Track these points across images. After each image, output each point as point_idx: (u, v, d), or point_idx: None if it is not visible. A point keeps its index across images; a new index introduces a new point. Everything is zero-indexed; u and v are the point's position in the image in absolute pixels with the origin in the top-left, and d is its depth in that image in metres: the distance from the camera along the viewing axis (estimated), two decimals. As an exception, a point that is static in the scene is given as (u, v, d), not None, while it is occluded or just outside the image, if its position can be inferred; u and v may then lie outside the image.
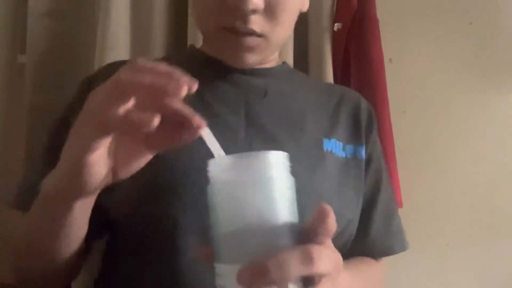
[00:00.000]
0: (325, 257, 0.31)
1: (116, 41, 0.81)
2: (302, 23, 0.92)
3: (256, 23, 0.51)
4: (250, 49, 0.54)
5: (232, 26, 0.52)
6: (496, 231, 0.97)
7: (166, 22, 0.85)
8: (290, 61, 0.86)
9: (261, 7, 0.50)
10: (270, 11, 0.52)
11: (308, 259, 0.30)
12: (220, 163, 0.34)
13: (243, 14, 0.50)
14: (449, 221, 0.98)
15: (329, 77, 0.87)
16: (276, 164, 0.34)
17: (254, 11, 0.50)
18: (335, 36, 0.89)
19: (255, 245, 0.31)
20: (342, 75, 0.91)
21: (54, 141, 0.57)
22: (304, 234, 0.34)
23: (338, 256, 0.34)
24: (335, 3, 0.90)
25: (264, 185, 0.32)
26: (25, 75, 0.85)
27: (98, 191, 0.37)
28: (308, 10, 0.91)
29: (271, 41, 0.55)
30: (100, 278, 0.56)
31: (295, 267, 0.30)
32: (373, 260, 0.64)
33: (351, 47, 0.90)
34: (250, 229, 0.31)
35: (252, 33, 0.52)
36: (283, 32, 0.56)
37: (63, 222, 0.39)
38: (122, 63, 0.64)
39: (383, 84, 0.88)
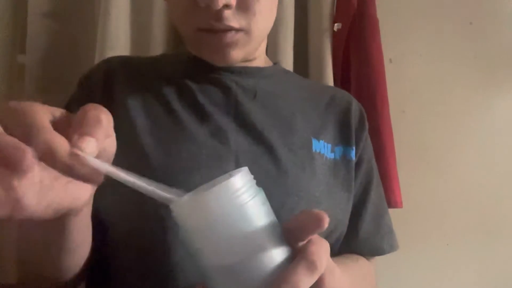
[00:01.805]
0: (322, 253, 0.32)
1: (116, 41, 0.81)
2: (302, 23, 0.92)
3: (232, 18, 0.50)
4: (231, 45, 0.53)
5: (208, 27, 0.51)
6: (495, 231, 0.98)
7: (166, 22, 0.85)
8: (290, 61, 0.86)
9: (233, 2, 0.49)
10: (243, 3, 0.50)
11: (312, 266, 0.31)
12: (184, 206, 0.32)
13: (216, 12, 0.49)
14: (449, 221, 0.98)
15: (329, 77, 0.87)
16: (241, 188, 0.32)
17: (227, 7, 0.49)
18: (335, 36, 0.89)
19: (253, 274, 0.31)
20: (342, 75, 0.91)
21: None
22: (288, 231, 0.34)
23: (326, 242, 0.35)
24: (335, 3, 0.90)
25: (240, 215, 0.31)
26: (25, 75, 0.85)
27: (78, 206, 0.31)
28: (308, 10, 0.92)
29: (252, 34, 0.53)
30: (92, 276, 0.56)
31: (305, 281, 0.30)
32: (364, 258, 0.64)
33: (351, 47, 0.90)
34: (242, 261, 0.31)
35: (230, 29, 0.51)
36: (262, 22, 0.54)
37: (61, 234, 0.37)
38: (119, 58, 0.64)
39: (383, 84, 0.88)
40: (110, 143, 0.30)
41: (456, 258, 0.97)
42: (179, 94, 0.57)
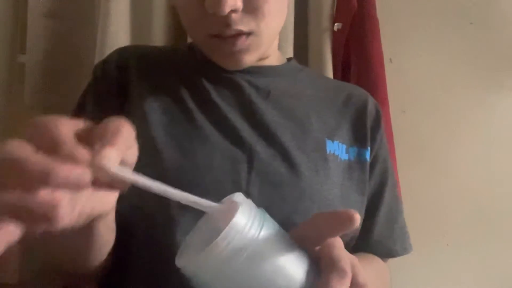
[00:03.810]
0: (344, 254, 0.33)
1: (116, 41, 0.81)
2: (302, 23, 0.92)
3: (240, 22, 0.49)
4: (243, 50, 0.52)
5: (218, 33, 0.50)
6: (496, 231, 0.97)
7: (166, 22, 0.85)
8: (290, 61, 0.86)
9: (240, 6, 0.48)
10: (251, 6, 0.49)
11: (343, 273, 0.32)
12: (195, 261, 0.30)
13: (224, 18, 0.48)
14: (449, 221, 0.98)
15: (329, 77, 0.87)
16: (248, 221, 0.30)
17: (234, 11, 0.48)
18: (335, 36, 0.89)
19: None
20: (342, 75, 0.91)
21: None
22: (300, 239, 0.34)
23: (339, 239, 0.35)
24: (335, 3, 0.90)
25: (255, 250, 0.30)
26: (25, 75, 0.85)
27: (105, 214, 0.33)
28: (308, 10, 0.92)
29: (263, 36, 0.52)
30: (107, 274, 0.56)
31: None
32: (378, 258, 0.63)
33: (351, 47, 0.90)
34: None
35: (240, 33, 0.50)
36: (273, 22, 0.53)
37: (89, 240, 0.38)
38: (132, 48, 0.63)
39: (383, 84, 0.88)
40: (131, 154, 0.31)
41: (456, 258, 0.97)
42: (193, 93, 0.56)
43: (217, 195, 0.34)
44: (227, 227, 0.29)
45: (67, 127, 0.28)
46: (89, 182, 0.26)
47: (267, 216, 0.33)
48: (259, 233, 0.30)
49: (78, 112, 0.59)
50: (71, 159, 0.26)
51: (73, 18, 0.89)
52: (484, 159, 0.98)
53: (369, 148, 0.60)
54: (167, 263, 0.47)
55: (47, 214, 0.24)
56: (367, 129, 0.61)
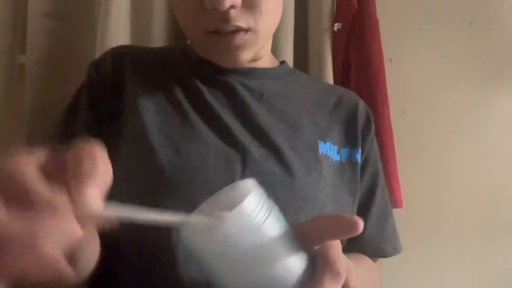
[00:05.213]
0: (341, 256, 0.33)
1: (116, 41, 0.81)
2: (302, 23, 0.92)
3: (239, 18, 0.50)
4: (240, 47, 0.53)
5: (216, 29, 0.51)
6: (496, 231, 0.98)
7: (166, 22, 0.85)
8: (290, 61, 0.86)
9: (239, 2, 0.49)
10: (250, 3, 0.50)
11: (337, 274, 0.32)
12: (201, 234, 0.31)
13: (222, 14, 0.49)
14: (449, 221, 0.98)
15: (329, 77, 0.87)
16: (256, 208, 0.31)
17: (234, 7, 0.49)
18: (335, 36, 0.89)
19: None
20: (342, 75, 0.91)
21: (63, 130, 0.57)
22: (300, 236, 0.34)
23: (338, 242, 0.35)
24: (335, 3, 0.90)
25: (258, 237, 0.31)
26: (25, 75, 0.85)
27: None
28: (308, 10, 0.92)
29: (260, 33, 0.53)
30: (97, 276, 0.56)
31: None
32: (368, 257, 0.64)
33: (351, 47, 0.90)
34: (266, 281, 0.31)
35: (238, 30, 0.51)
36: (269, 20, 0.54)
37: None
38: (126, 47, 0.64)
39: (383, 84, 0.88)
40: (108, 182, 0.27)
41: (456, 258, 0.97)
42: (187, 93, 0.57)
43: (211, 195, 0.35)
44: (235, 210, 0.30)
45: (31, 169, 0.24)
46: (81, 236, 0.23)
47: (276, 207, 0.34)
48: (265, 220, 0.31)
49: (69, 113, 0.58)
50: (51, 210, 0.22)
51: (73, 18, 0.89)
52: (484, 159, 0.98)
53: (360, 150, 0.62)
54: (161, 263, 0.47)
55: (56, 270, 0.22)
56: (358, 131, 0.62)
